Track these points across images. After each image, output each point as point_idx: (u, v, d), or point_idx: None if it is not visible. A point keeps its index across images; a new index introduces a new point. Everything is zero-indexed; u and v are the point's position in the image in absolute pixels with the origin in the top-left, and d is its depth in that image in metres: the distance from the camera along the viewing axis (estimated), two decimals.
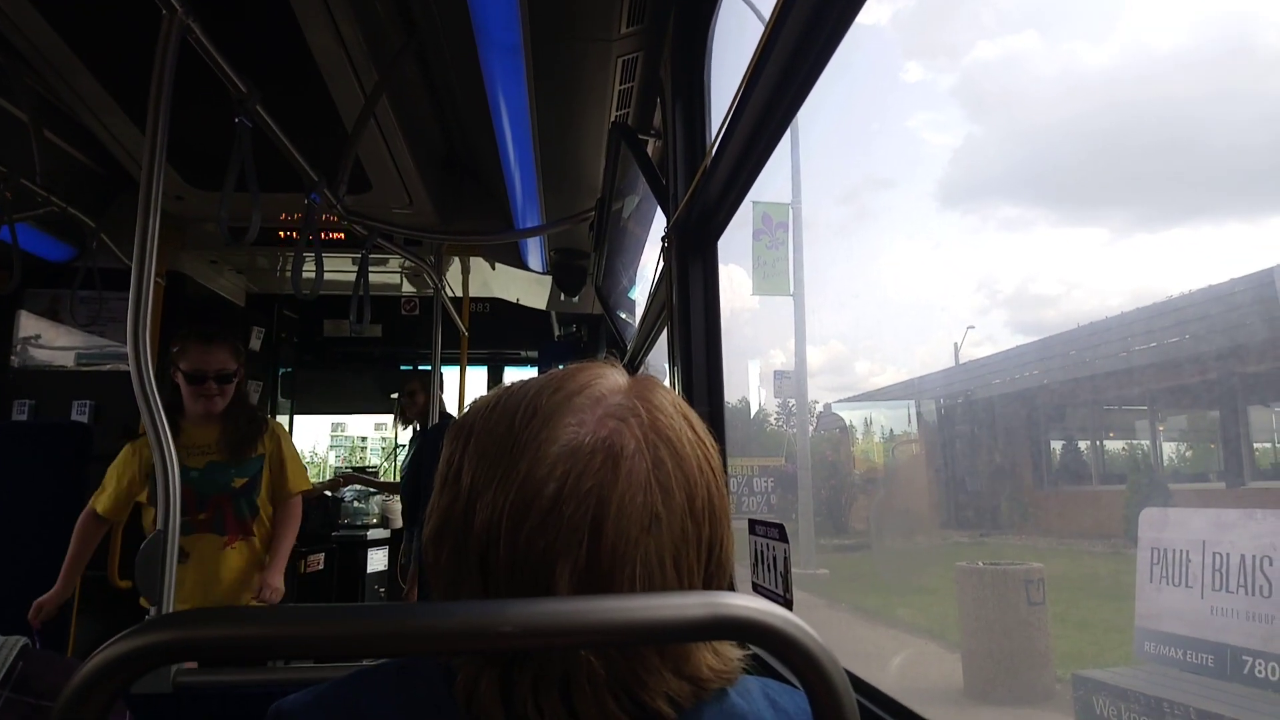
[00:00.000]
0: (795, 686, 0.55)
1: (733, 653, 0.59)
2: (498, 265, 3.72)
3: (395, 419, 4.48)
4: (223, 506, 2.40)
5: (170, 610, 1.42)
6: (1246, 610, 3.12)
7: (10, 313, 3.59)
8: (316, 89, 2.19)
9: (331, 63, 2.08)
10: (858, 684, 1.03)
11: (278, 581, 2.43)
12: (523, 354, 5.22)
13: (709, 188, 1.51)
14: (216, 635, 0.38)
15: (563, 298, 4.03)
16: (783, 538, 1.17)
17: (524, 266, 3.64)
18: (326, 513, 4.67)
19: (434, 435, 3.25)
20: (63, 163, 2.85)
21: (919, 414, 12.41)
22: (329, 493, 4.73)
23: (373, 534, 4.71)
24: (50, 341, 3.64)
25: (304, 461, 2.74)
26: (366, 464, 9.05)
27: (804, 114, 1.23)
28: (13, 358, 3.59)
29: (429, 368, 3.67)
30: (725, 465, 0.67)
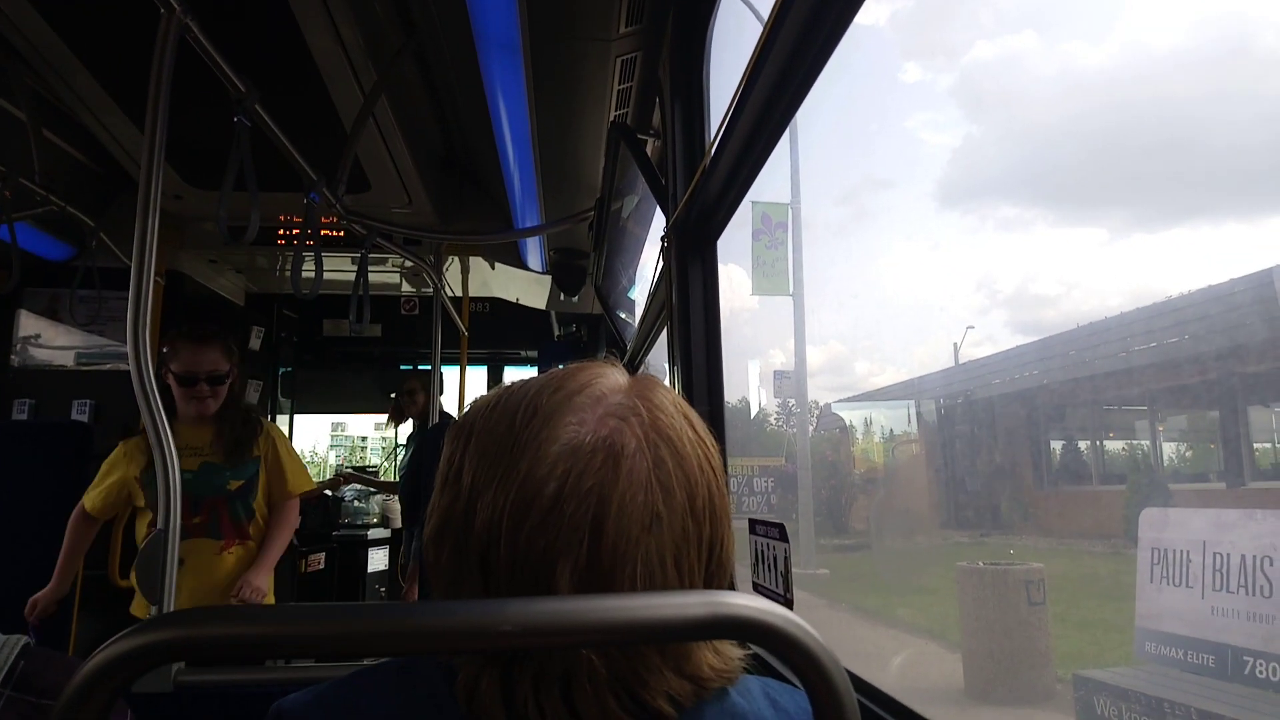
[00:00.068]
0: (796, 686, 0.55)
1: (734, 652, 0.59)
2: (497, 265, 3.72)
3: (389, 418, 4.47)
4: (218, 510, 2.35)
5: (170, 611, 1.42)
6: (1247, 610, 3.12)
7: (10, 312, 3.59)
8: (315, 88, 2.19)
9: (330, 62, 2.08)
10: (858, 684, 1.03)
11: (260, 582, 2.34)
12: (522, 354, 5.22)
13: (708, 187, 1.51)
14: (217, 634, 0.38)
15: (562, 297, 4.03)
16: (783, 537, 1.17)
17: (523, 266, 3.64)
18: (327, 512, 4.67)
19: (434, 435, 3.25)
20: (62, 162, 2.85)
21: (919, 414, 12.42)
22: (329, 492, 4.73)
23: (373, 533, 4.71)
24: (50, 341, 3.64)
25: (305, 461, 2.72)
26: (366, 464, 9.05)
27: (803, 114, 1.23)
28: (12, 357, 3.59)
29: (429, 367, 3.67)
30: (725, 465, 0.67)
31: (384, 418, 4.58)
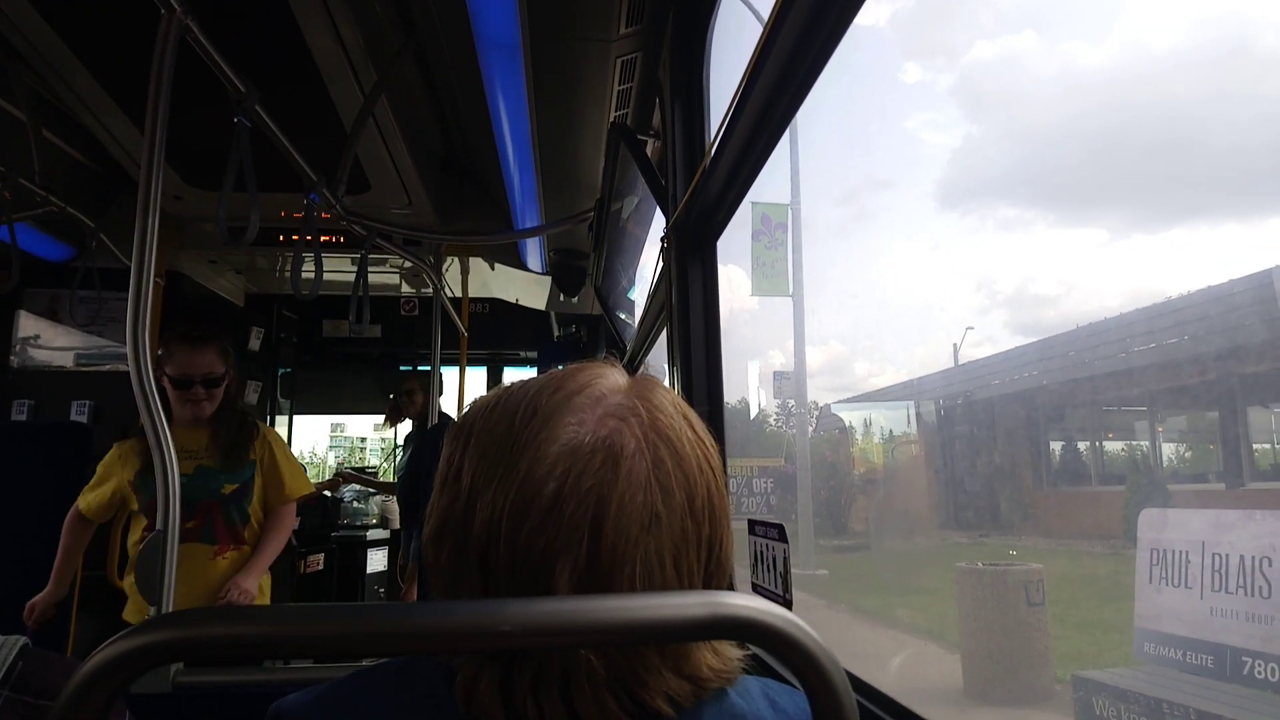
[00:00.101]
0: (795, 687, 0.55)
1: (732, 652, 0.59)
2: (497, 266, 3.72)
3: (386, 418, 4.46)
4: (212, 513, 2.32)
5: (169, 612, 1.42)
6: (1246, 611, 3.12)
7: (9, 313, 3.58)
8: (315, 89, 2.19)
9: (330, 63, 2.08)
10: (857, 684, 1.03)
11: (249, 584, 2.29)
12: (522, 354, 5.22)
13: (708, 188, 1.51)
14: (216, 635, 0.38)
15: (562, 298, 4.03)
16: (782, 538, 1.17)
17: (523, 267, 3.64)
18: (326, 513, 4.67)
19: (434, 436, 3.25)
20: (62, 162, 2.85)
21: (918, 415, 12.42)
22: (328, 493, 4.73)
23: (372, 534, 4.71)
24: (49, 341, 3.63)
25: (304, 461, 2.71)
26: (366, 464, 9.06)
27: (803, 115, 1.23)
28: (12, 358, 3.58)
29: (428, 368, 3.67)
30: (725, 465, 0.67)
31: (383, 418, 4.57)
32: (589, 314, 4.54)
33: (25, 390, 3.55)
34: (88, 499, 2.29)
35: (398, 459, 4.82)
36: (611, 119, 2.30)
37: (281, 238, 3.27)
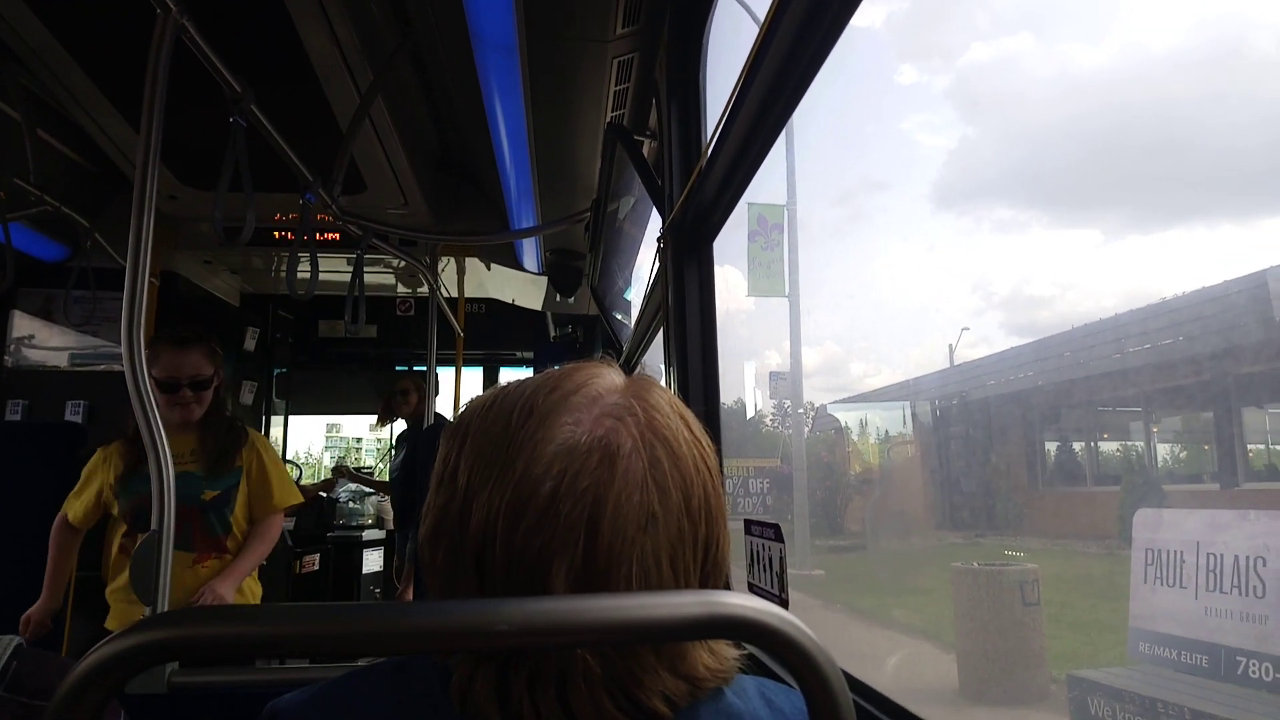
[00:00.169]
0: (791, 686, 0.55)
1: (729, 652, 0.59)
2: (493, 266, 3.72)
3: (379, 417, 4.45)
4: (190, 521, 2.24)
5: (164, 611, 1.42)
6: (1240, 611, 3.13)
7: (3, 312, 3.57)
8: (311, 89, 2.19)
9: (326, 63, 2.08)
10: (853, 683, 1.03)
11: (224, 590, 2.21)
12: (518, 355, 5.22)
13: (704, 189, 1.51)
14: (211, 634, 0.38)
15: (558, 298, 4.03)
16: (778, 537, 1.17)
17: (519, 267, 3.64)
18: (321, 513, 4.67)
19: (430, 436, 3.25)
20: (57, 162, 2.84)
21: (914, 415, 12.43)
22: (324, 494, 4.72)
23: (368, 535, 4.71)
24: (44, 341, 3.62)
25: (300, 462, 2.70)
26: (361, 465, 9.05)
27: (799, 116, 1.23)
28: (6, 358, 3.57)
29: (424, 368, 3.66)
30: (721, 466, 0.67)
31: (376, 418, 4.57)
32: (585, 314, 4.54)
33: (20, 390, 3.54)
34: (73, 505, 2.25)
35: (391, 459, 4.81)
36: (608, 119, 2.30)
37: (277, 237, 3.27)
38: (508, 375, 5.24)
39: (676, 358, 1.68)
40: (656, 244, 1.86)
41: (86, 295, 3.15)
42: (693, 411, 0.64)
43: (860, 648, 6.59)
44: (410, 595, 3.81)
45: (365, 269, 2.84)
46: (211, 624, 0.39)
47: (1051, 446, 10.16)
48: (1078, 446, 9.81)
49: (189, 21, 1.48)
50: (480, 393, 0.66)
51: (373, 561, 4.66)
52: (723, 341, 1.70)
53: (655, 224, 2.57)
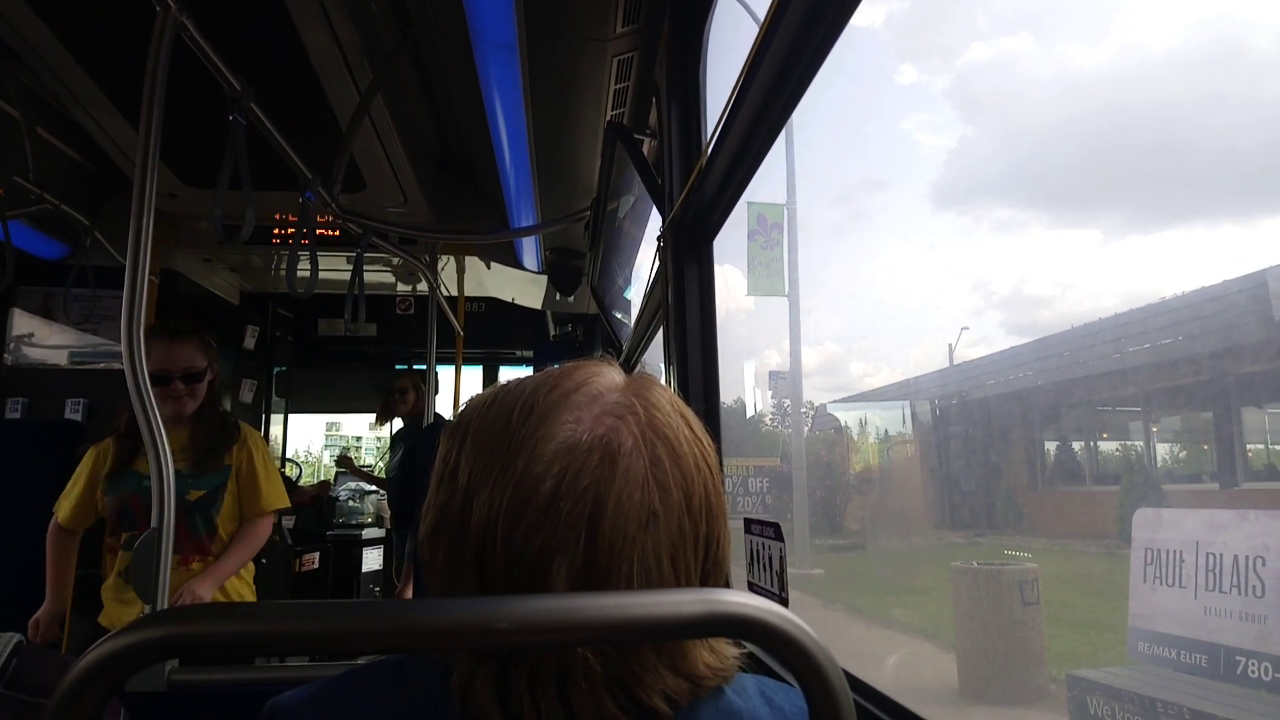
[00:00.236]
0: (791, 685, 0.55)
1: (729, 651, 0.59)
2: (493, 265, 3.72)
3: (377, 416, 4.45)
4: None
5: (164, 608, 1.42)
6: (1240, 610, 3.13)
7: (3, 310, 3.57)
8: (311, 87, 2.19)
9: (326, 61, 2.08)
10: (853, 682, 1.03)
11: (202, 591, 2.12)
12: (518, 353, 5.22)
13: (704, 187, 1.51)
14: (211, 631, 0.38)
15: (558, 297, 4.03)
16: (778, 536, 1.17)
17: (519, 266, 3.64)
18: (321, 511, 4.67)
19: (430, 435, 3.25)
20: (56, 160, 2.84)
21: (913, 414, 12.43)
22: (322, 496, 4.72)
23: (368, 533, 4.71)
24: (43, 340, 3.62)
25: (300, 460, 2.69)
26: (361, 463, 9.05)
27: (799, 115, 1.23)
28: (6, 356, 3.57)
29: (424, 367, 3.66)
30: (721, 464, 0.67)
31: (374, 416, 4.56)
32: (585, 313, 4.54)
33: (19, 388, 3.54)
34: (65, 508, 2.21)
35: (388, 459, 4.82)
36: (608, 118, 2.30)
37: (277, 235, 3.27)
38: (507, 374, 5.24)
39: (676, 356, 1.68)
40: (656, 243, 1.86)
41: (86, 293, 3.15)
42: (692, 410, 0.64)
43: (860, 647, 6.59)
44: (410, 594, 3.82)
45: (365, 267, 2.84)
46: (212, 622, 0.39)
47: (1051, 446, 10.16)
48: (1077, 446, 9.81)
49: (188, 20, 1.47)
50: (480, 391, 0.66)
51: (372, 560, 4.66)
52: (723, 341, 1.70)
53: (655, 223, 2.57)
